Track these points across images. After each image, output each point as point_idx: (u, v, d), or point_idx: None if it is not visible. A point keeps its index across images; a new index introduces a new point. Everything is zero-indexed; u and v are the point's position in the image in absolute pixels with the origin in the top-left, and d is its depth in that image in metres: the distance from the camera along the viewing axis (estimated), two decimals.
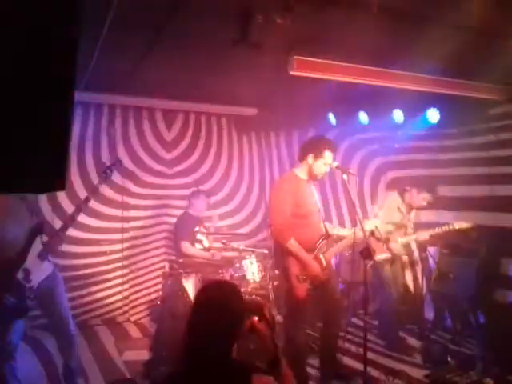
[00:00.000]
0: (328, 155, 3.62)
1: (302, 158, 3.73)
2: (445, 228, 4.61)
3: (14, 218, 3.28)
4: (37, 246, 3.36)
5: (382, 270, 4.70)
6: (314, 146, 3.69)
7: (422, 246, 5.18)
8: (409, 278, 5.99)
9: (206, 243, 5.41)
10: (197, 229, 5.32)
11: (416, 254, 5.90)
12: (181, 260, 5.03)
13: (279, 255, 3.72)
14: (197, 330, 1.78)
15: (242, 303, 1.88)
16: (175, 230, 5.45)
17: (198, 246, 5.32)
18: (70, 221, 3.56)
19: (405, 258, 5.49)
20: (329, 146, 3.63)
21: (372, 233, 3.80)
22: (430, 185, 4.83)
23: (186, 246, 5.14)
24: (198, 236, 5.33)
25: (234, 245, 5.26)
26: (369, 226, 3.76)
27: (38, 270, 3.36)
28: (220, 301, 1.84)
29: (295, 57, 3.44)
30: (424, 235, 4.72)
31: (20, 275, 3.24)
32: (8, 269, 3.21)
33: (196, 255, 5.18)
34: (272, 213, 3.70)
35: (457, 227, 4.57)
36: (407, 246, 4.94)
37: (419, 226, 5.22)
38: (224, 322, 1.77)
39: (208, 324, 1.76)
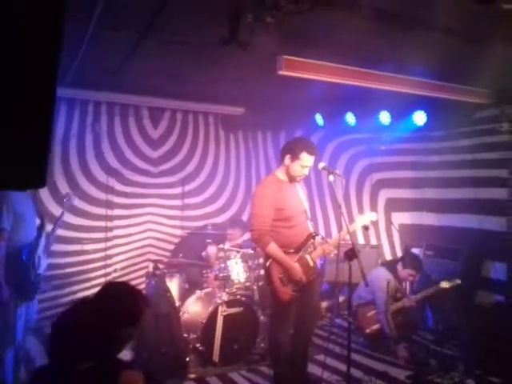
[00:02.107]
0: (305, 157, 3.55)
1: (281, 158, 3.69)
2: (431, 290, 4.65)
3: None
4: (42, 240, 3.63)
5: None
6: (291, 147, 3.63)
7: (406, 248, 5.22)
8: None
9: None
10: None
11: (399, 255, 5.95)
12: (165, 260, 4.99)
13: (264, 258, 3.72)
14: (70, 324, 1.77)
15: (129, 307, 1.86)
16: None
17: None
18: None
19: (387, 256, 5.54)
20: (306, 149, 3.56)
21: (366, 227, 3.78)
22: (414, 260, 4.83)
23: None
24: None
25: (220, 245, 5.22)
26: (363, 220, 3.73)
27: (43, 261, 3.63)
28: (103, 301, 1.85)
29: (284, 56, 3.44)
30: (411, 301, 4.76)
31: (34, 258, 3.49)
32: (20, 250, 3.42)
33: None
34: (252, 218, 3.68)
35: (443, 286, 4.58)
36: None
37: (403, 228, 5.27)
38: (101, 320, 1.76)
39: (84, 320, 1.76)
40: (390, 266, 4.91)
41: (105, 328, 1.76)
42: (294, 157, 3.57)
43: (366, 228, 3.78)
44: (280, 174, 3.73)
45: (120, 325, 1.80)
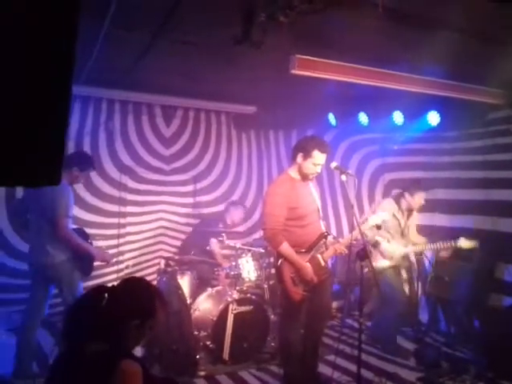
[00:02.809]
0: (318, 155, 3.56)
1: (293, 157, 3.70)
2: (447, 244, 4.56)
3: None
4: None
5: (385, 274, 4.65)
6: (303, 146, 3.64)
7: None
8: (404, 280, 6.00)
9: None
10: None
11: (412, 257, 5.91)
12: (177, 257, 5.02)
13: (275, 257, 3.72)
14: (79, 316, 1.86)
15: (143, 301, 1.92)
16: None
17: None
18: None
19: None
20: (318, 147, 3.56)
21: (378, 227, 3.78)
22: (418, 184, 4.75)
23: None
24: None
25: (231, 243, 5.24)
26: (375, 220, 3.73)
27: None
28: (119, 292, 1.91)
29: (297, 56, 3.43)
30: (422, 247, 4.68)
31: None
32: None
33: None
34: (264, 217, 3.67)
35: (460, 245, 4.49)
36: (406, 256, 4.91)
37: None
38: (114, 309, 1.82)
39: (97, 306, 1.82)
40: (396, 198, 4.81)
41: (116, 317, 1.81)
42: (307, 155, 3.58)
43: (378, 227, 3.78)
44: (293, 172, 3.73)
45: (132, 317, 1.85)
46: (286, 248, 3.52)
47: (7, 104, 0.89)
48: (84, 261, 3.99)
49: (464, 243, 4.48)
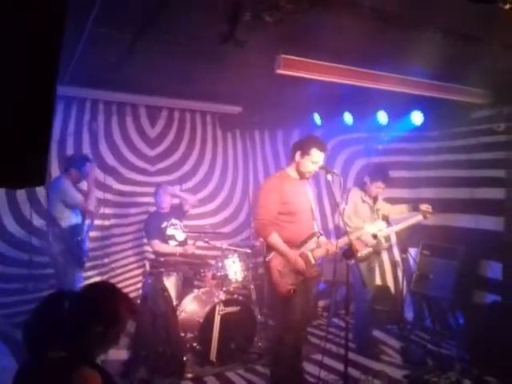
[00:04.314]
0: (316, 153, 3.60)
1: (292, 155, 3.75)
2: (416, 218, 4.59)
3: None
4: (85, 227, 4.78)
5: (358, 268, 4.67)
6: (301, 144, 3.70)
7: (404, 247, 5.22)
8: (389, 278, 6.06)
9: (181, 237, 5.34)
10: (164, 224, 5.24)
11: (397, 255, 5.96)
12: (162, 259, 4.98)
13: (264, 251, 3.72)
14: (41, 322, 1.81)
15: (106, 307, 1.86)
16: (144, 230, 5.40)
17: (172, 242, 5.25)
18: None
19: (384, 257, 5.52)
20: (316, 145, 3.61)
21: (375, 236, 3.85)
22: (376, 174, 4.76)
23: (155, 244, 5.08)
24: (169, 231, 5.26)
25: (217, 244, 5.22)
26: (372, 229, 3.81)
27: (87, 242, 4.82)
28: (81, 297, 1.87)
29: (282, 55, 3.43)
30: (400, 226, 4.69)
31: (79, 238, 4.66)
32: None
33: (167, 251, 5.11)
34: (257, 208, 3.73)
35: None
36: (387, 239, 4.93)
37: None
38: (75, 315, 1.79)
39: (59, 313, 1.78)
40: (362, 185, 4.87)
41: (77, 324, 1.77)
42: (304, 153, 3.62)
43: (374, 236, 3.83)
44: (291, 170, 3.79)
45: (93, 324, 1.80)
46: (274, 238, 3.54)
47: None
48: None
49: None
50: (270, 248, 3.62)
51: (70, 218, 4.56)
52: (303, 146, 3.65)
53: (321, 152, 3.62)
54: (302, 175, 3.74)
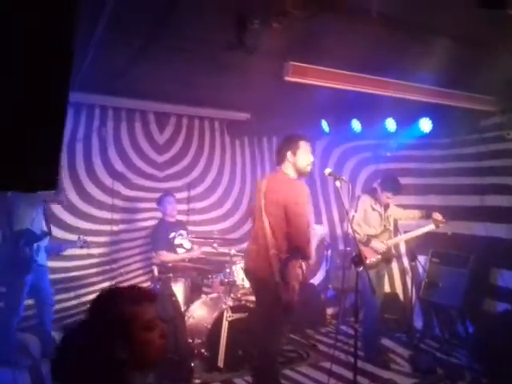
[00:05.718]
0: (304, 144, 3.56)
1: (282, 160, 3.61)
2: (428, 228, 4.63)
3: None
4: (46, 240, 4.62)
5: (367, 276, 4.64)
6: (287, 144, 3.60)
7: (413, 255, 5.18)
8: (398, 286, 6.01)
9: (188, 245, 5.35)
10: (172, 235, 5.26)
11: (406, 262, 5.92)
12: (170, 264, 4.99)
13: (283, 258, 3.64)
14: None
15: (115, 313, 1.60)
16: (151, 239, 5.42)
17: (180, 250, 5.26)
18: None
19: (393, 264, 5.48)
20: (300, 137, 3.59)
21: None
22: (394, 184, 4.74)
23: (162, 255, 5.09)
24: (177, 241, 5.28)
25: (225, 250, 5.22)
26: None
27: (42, 252, 4.59)
28: (97, 306, 1.65)
29: (290, 62, 3.44)
30: (411, 234, 4.68)
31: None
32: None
33: (175, 260, 5.12)
34: (297, 217, 3.51)
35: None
36: (396, 247, 4.91)
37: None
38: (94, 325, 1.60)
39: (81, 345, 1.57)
40: (372, 192, 4.85)
41: (101, 352, 1.54)
42: (295, 149, 3.55)
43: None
44: (290, 172, 3.62)
45: (115, 346, 1.56)
46: None
47: (6, 107, 0.88)
48: None
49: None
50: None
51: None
52: (290, 145, 3.56)
53: (307, 142, 3.60)
54: (301, 172, 3.62)
